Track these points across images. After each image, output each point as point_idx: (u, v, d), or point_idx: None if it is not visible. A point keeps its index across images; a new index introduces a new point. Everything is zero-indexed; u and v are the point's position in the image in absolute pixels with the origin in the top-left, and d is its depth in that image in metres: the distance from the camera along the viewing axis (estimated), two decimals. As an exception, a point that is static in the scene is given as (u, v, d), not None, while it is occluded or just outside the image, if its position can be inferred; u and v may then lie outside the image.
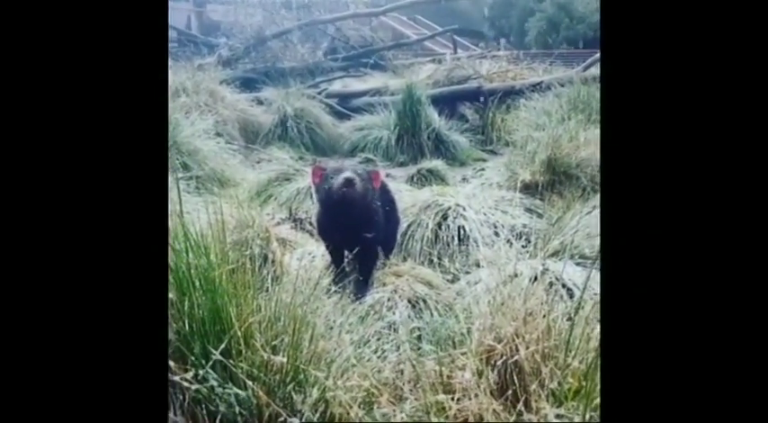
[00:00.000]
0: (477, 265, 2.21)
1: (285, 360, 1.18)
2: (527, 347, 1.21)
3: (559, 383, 1.18)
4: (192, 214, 1.79)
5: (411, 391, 1.27)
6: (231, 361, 1.12)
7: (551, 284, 1.76)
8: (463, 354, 1.29)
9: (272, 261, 2.06)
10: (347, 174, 1.95)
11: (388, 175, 3.51)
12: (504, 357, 1.22)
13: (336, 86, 6.81)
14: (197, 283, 1.21)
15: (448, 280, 2.20)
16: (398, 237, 2.43)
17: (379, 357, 1.47)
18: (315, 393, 1.14)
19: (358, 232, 2.03)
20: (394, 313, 1.88)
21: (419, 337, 1.70)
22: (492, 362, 1.23)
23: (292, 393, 1.16)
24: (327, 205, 2.08)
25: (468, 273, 2.20)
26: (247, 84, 6.41)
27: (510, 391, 1.18)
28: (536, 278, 1.72)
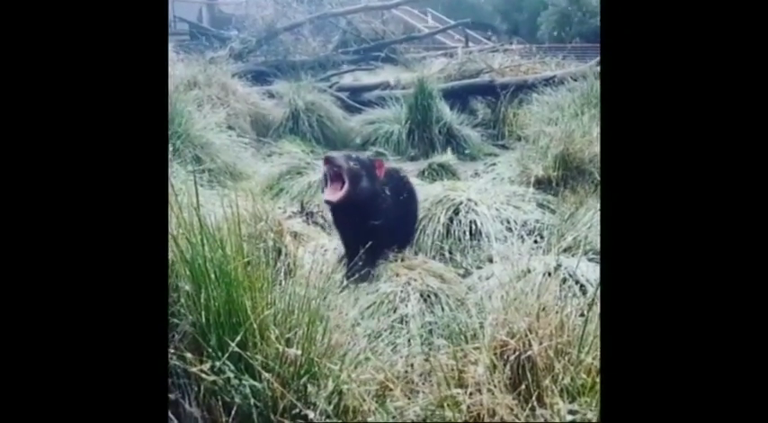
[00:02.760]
0: (490, 261, 2.21)
1: (299, 352, 1.19)
2: (540, 343, 1.21)
3: (572, 379, 1.18)
4: (207, 207, 1.80)
5: (423, 384, 1.28)
6: (247, 353, 1.13)
7: (564, 280, 1.76)
8: (476, 348, 1.30)
9: (286, 254, 2.07)
10: (329, 153, 2.04)
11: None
12: (518, 352, 1.22)
13: (347, 80, 6.80)
14: (213, 276, 1.22)
15: (460, 274, 2.20)
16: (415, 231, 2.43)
17: (392, 350, 1.48)
18: (329, 385, 1.15)
19: (366, 221, 2.06)
20: (406, 306, 1.89)
21: (431, 332, 1.70)
22: (505, 357, 1.24)
23: (307, 385, 1.17)
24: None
25: (479, 268, 2.20)
26: (259, 77, 6.41)
27: (523, 387, 1.18)
28: (549, 274, 1.72)
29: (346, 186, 1.98)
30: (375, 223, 2.07)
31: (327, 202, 2.01)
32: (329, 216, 2.80)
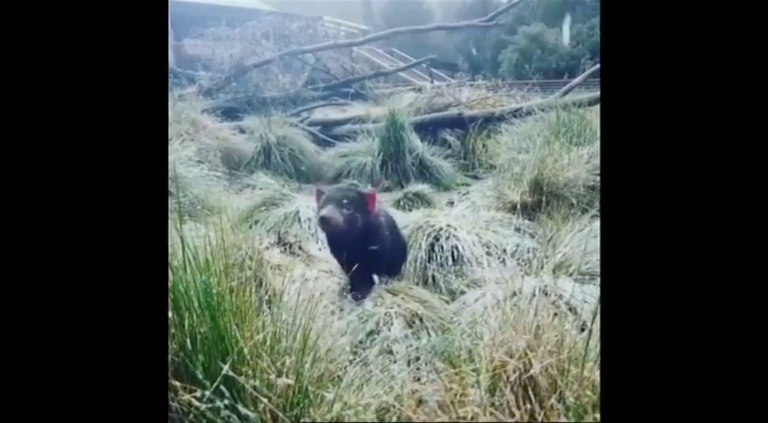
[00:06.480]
0: (474, 284, 2.19)
1: (291, 382, 1.12)
2: (521, 375, 1.17)
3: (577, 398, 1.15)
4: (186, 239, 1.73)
5: (422, 410, 1.22)
6: (233, 391, 1.06)
7: (553, 302, 1.74)
8: (466, 374, 1.25)
9: (266, 285, 2.00)
10: (324, 212, 1.95)
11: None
12: (516, 374, 1.18)
13: (318, 115, 6.84)
14: (195, 304, 1.16)
15: (444, 300, 2.17)
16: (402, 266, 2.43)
17: (381, 381, 1.42)
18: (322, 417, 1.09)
19: (362, 247, 2.06)
20: (389, 330, 1.83)
21: (417, 359, 1.65)
22: (505, 378, 1.20)
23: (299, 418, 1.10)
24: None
25: (463, 293, 2.17)
26: (228, 113, 6.37)
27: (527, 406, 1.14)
28: (534, 296, 1.70)
29: (345, 232, 2.01)
30: (373, 248, 2.09)
31: (323, 219, 1.98)
32: (307, 247, 2.75)
